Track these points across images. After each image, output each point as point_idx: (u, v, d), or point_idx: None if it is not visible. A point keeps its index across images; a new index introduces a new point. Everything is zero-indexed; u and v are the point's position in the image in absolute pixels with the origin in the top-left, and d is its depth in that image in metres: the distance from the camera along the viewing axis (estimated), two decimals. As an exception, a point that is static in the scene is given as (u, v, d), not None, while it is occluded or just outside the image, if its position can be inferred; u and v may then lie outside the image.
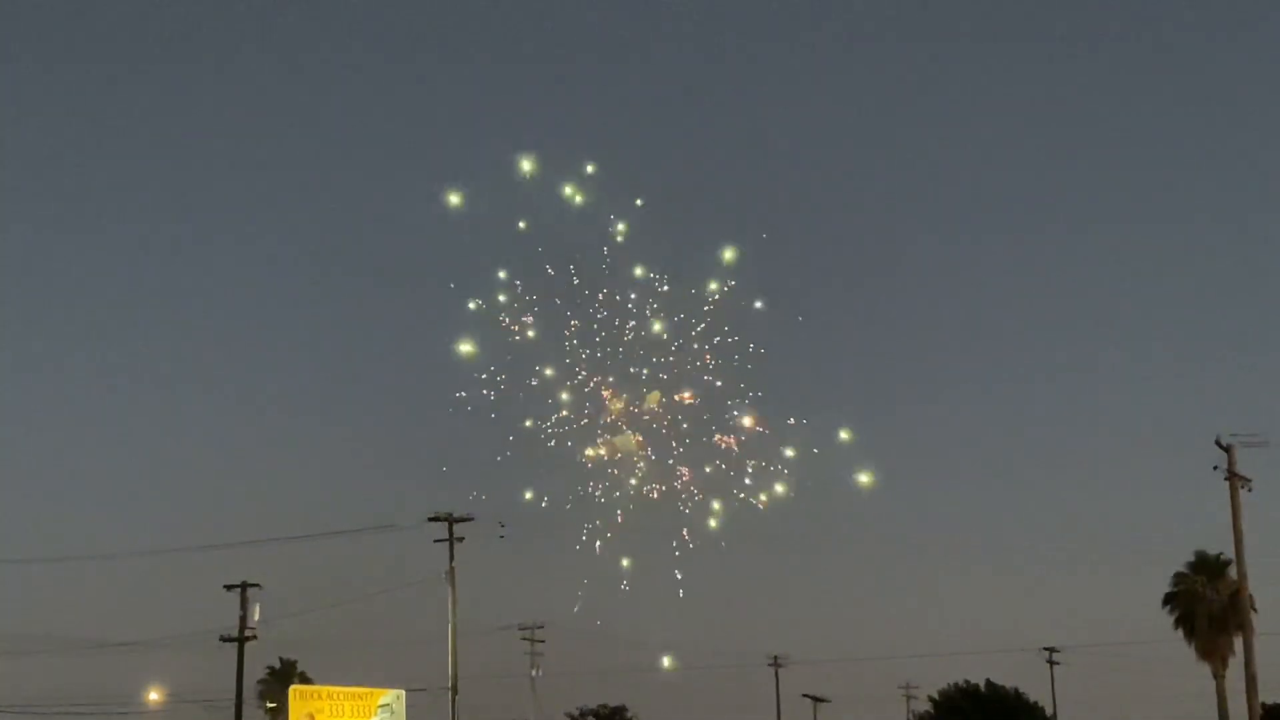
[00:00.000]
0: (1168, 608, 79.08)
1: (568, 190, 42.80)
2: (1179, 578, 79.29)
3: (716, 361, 40.11)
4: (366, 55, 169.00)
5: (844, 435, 40.59)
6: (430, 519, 69.47)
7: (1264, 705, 57.79)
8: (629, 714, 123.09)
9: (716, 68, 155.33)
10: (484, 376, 45.17)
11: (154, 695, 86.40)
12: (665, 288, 39.32)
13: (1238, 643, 62.51)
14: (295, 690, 70.73)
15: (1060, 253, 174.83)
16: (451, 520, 69.31)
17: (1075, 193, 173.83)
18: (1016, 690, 75.93)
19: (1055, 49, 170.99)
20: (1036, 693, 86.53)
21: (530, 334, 41.43)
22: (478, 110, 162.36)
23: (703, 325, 39.98)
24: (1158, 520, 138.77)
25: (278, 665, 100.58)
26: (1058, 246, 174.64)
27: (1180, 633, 78.29)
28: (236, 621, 71.39)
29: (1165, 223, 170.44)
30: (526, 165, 42.53)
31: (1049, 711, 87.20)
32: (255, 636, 72.13)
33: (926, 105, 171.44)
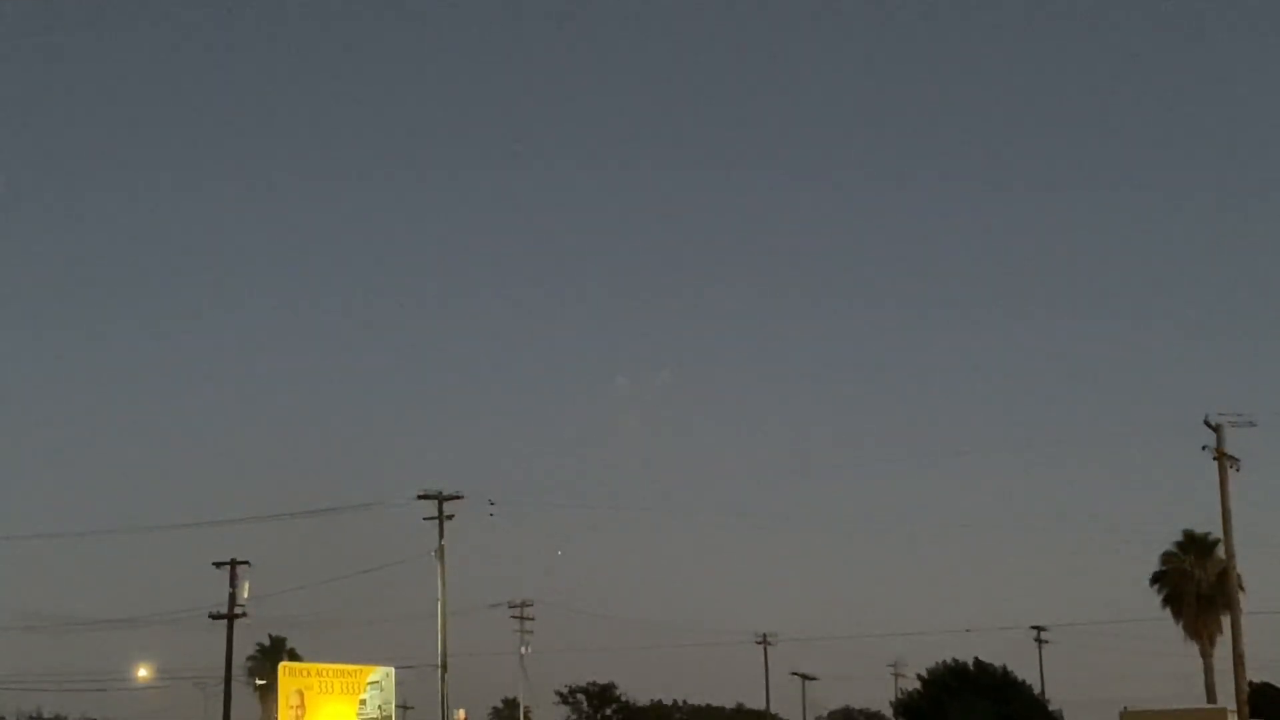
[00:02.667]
0: (1156, 586, 79.27)
1: None
2: (1167, 557, 79.43)
3: None
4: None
5: None
6: (420, 496, 69.49)
7: (1251, 683, 57.91)
8: (618, 691, 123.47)
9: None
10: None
11: (144, 672, 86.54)
12: None
13: (1225, 622, 62.67)
14: (285, 667, 70.65)
15: (1050, 232, 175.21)
16: (441, 498, 69.32)
17: (1065, 173, 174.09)
18: (1005, 669, 75.78)
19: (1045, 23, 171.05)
20: (1025, 671, 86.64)
21: None
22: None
23: None
24: (1146, 499, 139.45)
25: (267, 643, 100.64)
26: (1048, 226, 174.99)
27: (1168, 612, 78.49)
28: (226, 599, 71.31)
29: (1156, 205, 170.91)
30: None
31: (1037, 690, 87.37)
32: (245, 614, 72.05)
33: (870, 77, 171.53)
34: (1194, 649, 76.91)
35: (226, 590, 71.31)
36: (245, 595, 71.08)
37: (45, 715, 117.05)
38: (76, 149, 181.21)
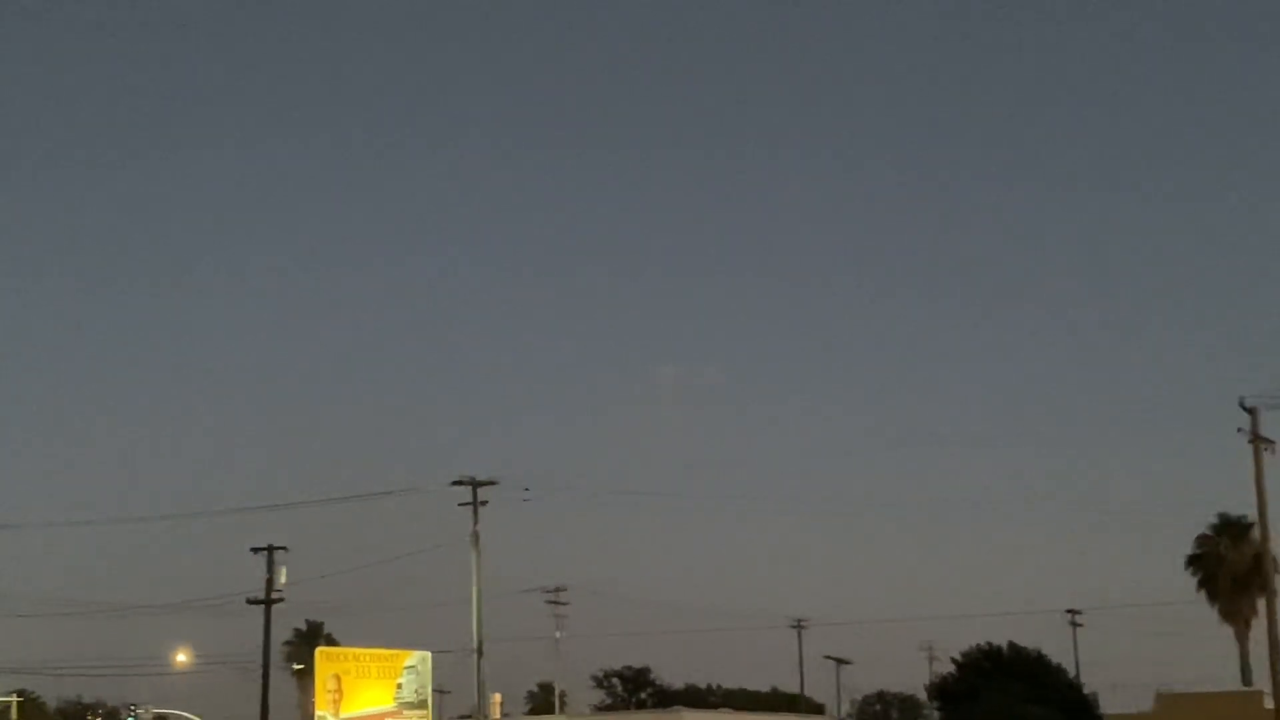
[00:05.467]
0: (1191, 569, 79.11)
1: None
2: (1202, 540, 79.24)
3: None
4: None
5: None
6: (454, 483, 69.73)
7: (1287, 666, 57.78)
8: (653, 676, 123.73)
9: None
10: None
11: (182, 657, 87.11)
12: None
13: (1261, 604, 62.54)
14: (322, 652, 71.20)
15: (1087, 216, 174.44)
16: (475, 484, 69.53)
17: (1103, 156, 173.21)
18: (1039, 652, 75.74)
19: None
20: (1059, 654, 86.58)
21: None
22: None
23: None
24: (1181, 482, 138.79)
25: (304, 627, 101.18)
26: (1085, 210, 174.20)
27: (1203, 594, 78.32)
28: (264, 584, 71.77)
29: (1190, 188, 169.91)
30: None
31: (1072, 673, 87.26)
32: (282, 599, 72.49)
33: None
34: (1229, 632, 76.80)
35: (264, 575, 71.79)
36: (282, 580, 71.51)
37: (84, 700, 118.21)
38: (112, 118, 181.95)
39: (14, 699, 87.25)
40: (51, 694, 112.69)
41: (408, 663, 69.22)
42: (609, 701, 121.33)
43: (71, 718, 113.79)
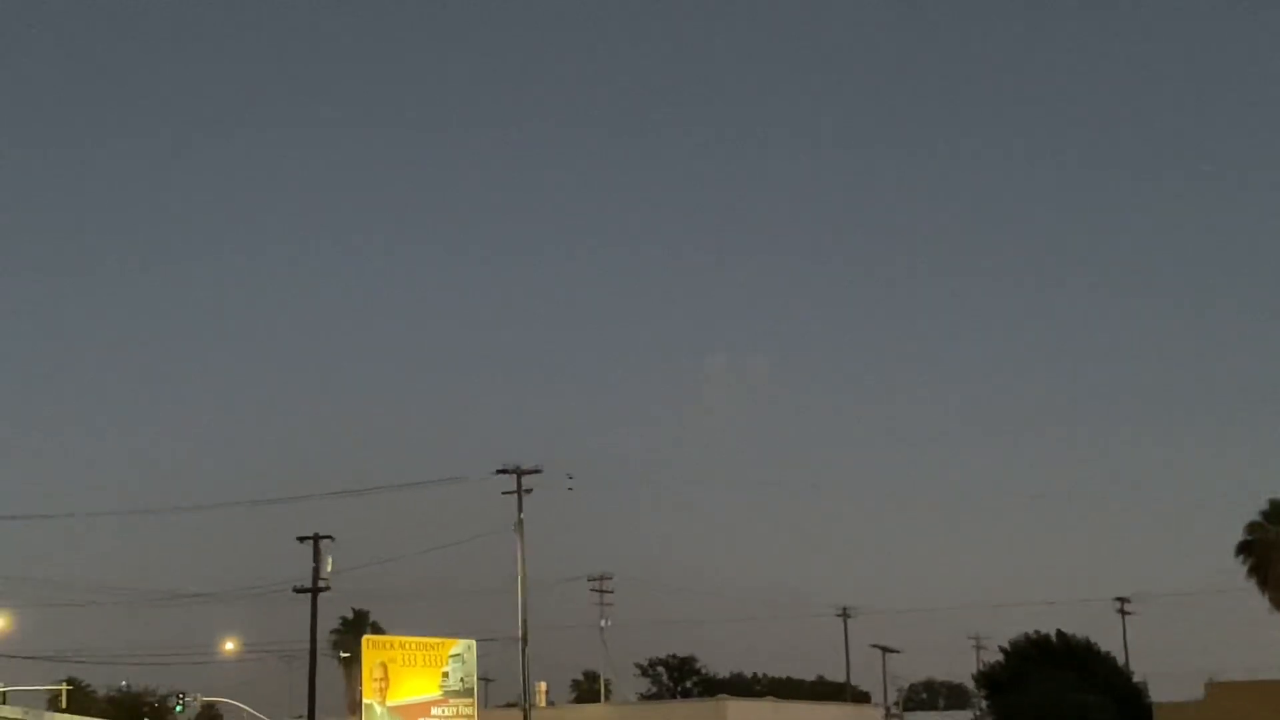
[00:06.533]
0: (1241, 557, 78.32)
1: None
2: (1253, 527, 78.41)
3: None
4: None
5: None
6: (499, 471, 69.82)
7: (1340, 654, 57.23)
8: (698, 664, 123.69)
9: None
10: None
11: (230, 645, 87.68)
12: None
13: (1313, 592, 61.93)
14: (368, 640, 71.42)
15: (1131, 206, 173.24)
16: (520, 472, 69.60)
17: (1140, 141, 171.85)
18: (1088, 640, 75.30)
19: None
20: (1108, 643, 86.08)
21: None
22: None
23: None
24: (1231, 469, 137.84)
25: (351, 616, 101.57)
26: (1129, 200, 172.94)
27: (1254, 582, 77.57)
28: (310, 573, 71.97)
29: (1239, 173, 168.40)
30: None
31: (1121, 661, 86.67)
32: (328, 588, 72.61)
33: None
34: (1280, 619, 76.05)
35: (310, 564, 71.93)
36: (329, 569, 71.64)
37: (133, 688, 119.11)
38: (157, 112, 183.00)
39: (63, 687, 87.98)
40: (100, 682, 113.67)
41: (453, 651, 69.35)
42: (654, 690, 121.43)
43: (120, 706, 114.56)
